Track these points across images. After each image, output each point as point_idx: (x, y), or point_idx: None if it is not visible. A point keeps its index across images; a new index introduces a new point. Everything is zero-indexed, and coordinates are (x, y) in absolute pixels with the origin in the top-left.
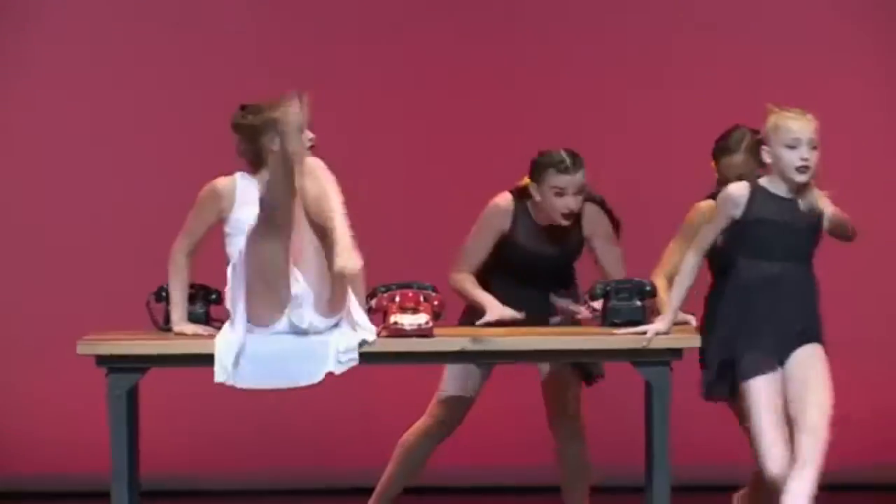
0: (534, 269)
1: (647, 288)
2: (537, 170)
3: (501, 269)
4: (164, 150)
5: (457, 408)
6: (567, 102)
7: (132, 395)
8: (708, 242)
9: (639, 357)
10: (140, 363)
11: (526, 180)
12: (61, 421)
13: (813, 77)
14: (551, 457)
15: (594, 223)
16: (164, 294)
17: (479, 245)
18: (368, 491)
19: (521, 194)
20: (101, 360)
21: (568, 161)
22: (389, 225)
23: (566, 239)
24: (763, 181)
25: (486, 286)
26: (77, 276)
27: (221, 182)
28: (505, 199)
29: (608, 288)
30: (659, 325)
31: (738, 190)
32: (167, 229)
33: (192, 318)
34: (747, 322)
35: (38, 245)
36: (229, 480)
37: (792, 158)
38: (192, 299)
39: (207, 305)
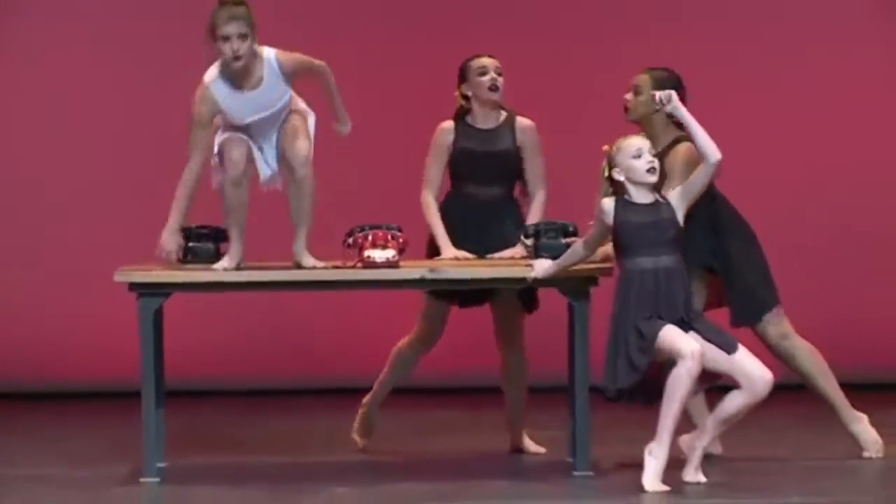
0: (484, 167)
1: (570, 228)
2: (462, 73)
3: (460, 179)
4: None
5: (436, 321)
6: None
7: (158, 314)
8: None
9: (564, 284)
10: (164, 289)
11: (457, 93)
12: (97, 333)
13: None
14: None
15: (524, 134)
16: (182, 234)
17: (435, 163)
18: (357, 391)
19: (458, 114)
20: (134, 286)
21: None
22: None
23: (503, 138)
24: (627, 195)
25: (450, 205)
26: (110, 213)
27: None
28: (446, 122)
29: (538, 228)
30: (541, 267)
31: (608, 204)
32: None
33: (203, 254)
34: (640, 309)
35: (75, 187)
36: (236, 383)
37: (641, 165)
38: (204, 238)
39: (217, 244)
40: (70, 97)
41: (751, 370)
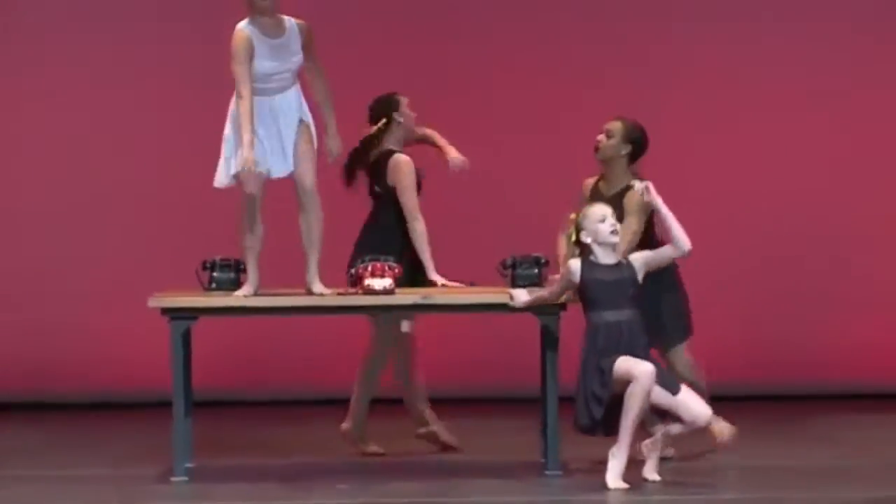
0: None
1: (543, 260)
2: (388, 105)
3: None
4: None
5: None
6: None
7: (187, 335)
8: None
9: (538, 309)
10: (193, 313)
11: (384, 126)
12: (133, 349)
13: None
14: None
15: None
16: (207, 265)
17: (414, 193)
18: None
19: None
20: (166, 310)
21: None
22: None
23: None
24: (592, 256)
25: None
26: (145, 243)
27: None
28: (406, 157)
29: (515, 260)
30: (519, 298)
31: (575, 265)
32: (211, 213)
33: (225, 282)
34: (603, 355)
35: (112, 219)
36: (250, 393)
37: (605, 228)
38: (226, 269)
39: (238, 273)
40: (118, 123)
41: (693, 408)
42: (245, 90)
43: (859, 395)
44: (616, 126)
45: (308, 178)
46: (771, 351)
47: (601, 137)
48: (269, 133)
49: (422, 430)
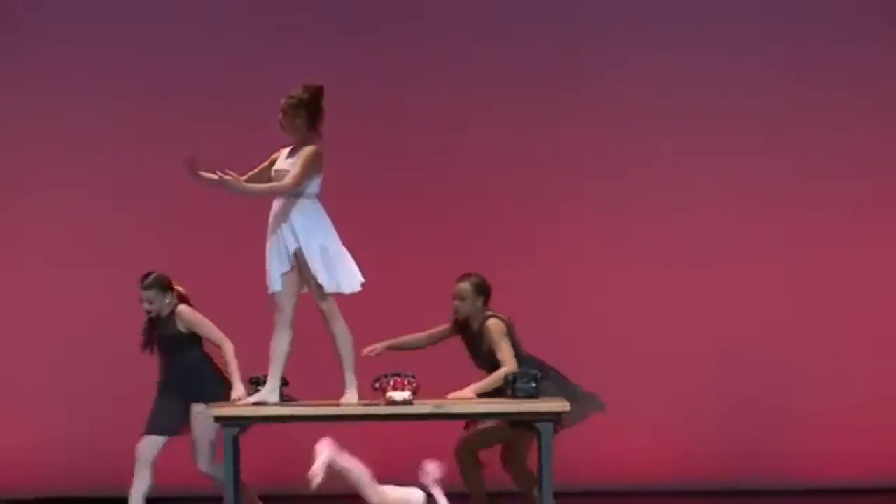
0: None
1: (538, 375)
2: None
3: None
4: None
5: None
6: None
7: (237, 440)
8: None
9: (536, 417)
10: (241, 421)
11: None
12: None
13: None
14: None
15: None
16: (252, 381)
17: None
18: None
19: None
20: (219, 418)
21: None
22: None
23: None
24: None
25: None
26: None
27: None
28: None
29: (515, 377)
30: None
31: None
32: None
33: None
34: None
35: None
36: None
37: None
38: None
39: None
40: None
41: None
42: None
43: (813, 490)
44: (464, 288)
45: (315, 284)
46: (733, 451)
47: (456, 304)
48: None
49: None
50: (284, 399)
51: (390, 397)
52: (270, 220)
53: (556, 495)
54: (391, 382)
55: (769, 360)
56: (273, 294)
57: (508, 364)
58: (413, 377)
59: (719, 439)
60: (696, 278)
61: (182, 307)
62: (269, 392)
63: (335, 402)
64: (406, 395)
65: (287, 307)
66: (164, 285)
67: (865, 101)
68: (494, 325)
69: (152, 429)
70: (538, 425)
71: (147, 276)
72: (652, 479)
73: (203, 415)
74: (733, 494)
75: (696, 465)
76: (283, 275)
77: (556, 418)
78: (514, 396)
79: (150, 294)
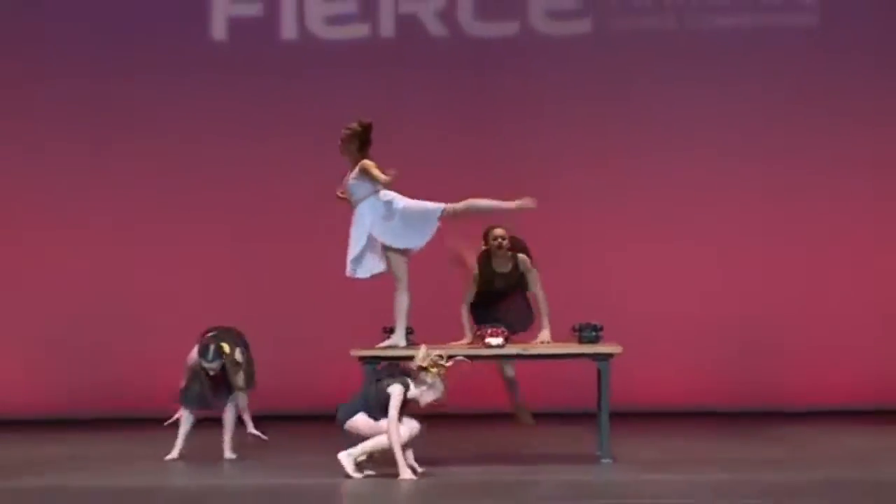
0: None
1: (600, 326)
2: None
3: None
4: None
5: None
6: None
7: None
8: None
9: (595, 357)
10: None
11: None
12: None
13: None
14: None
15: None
16: (385, 330)
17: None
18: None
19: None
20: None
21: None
22: None
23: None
24: None
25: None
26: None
27: None
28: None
29: (581, 327)
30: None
31: None
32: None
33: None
34: None
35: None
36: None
37: None
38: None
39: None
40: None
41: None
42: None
43: (809, 412)
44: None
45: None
46: (745, 379)
47: (505, 242)
48: None
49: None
50: (410, 343)
51: (488, 342)
52: (364, 215)
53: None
54: (489, 331)
55: (772, 305)
56: (389, 268)
57: (541, 293)
58: (504, 328)
59: (731, 371)
60: (715, 245)
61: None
62: (398, 338)
63: (445, 344)
64: (500, 340)
65: (399, 273)
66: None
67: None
68: (527, 260)
69: None
70: (599, 363)
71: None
72: (676, 403)
73: None
74: (740, 416)
75: (715, 393)
76: (389, 253)
77: (611, 357)
78: (580, 342)
79: (214, 365)
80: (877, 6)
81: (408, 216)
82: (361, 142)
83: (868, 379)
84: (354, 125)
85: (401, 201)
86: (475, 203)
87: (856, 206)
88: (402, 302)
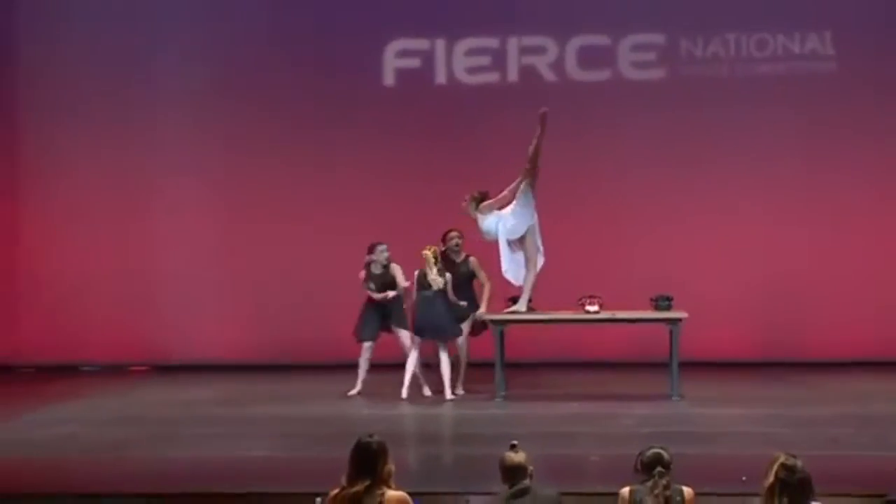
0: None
1: (670, 296)
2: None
3: None
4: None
5: None
6: None
7: (502, 335)
8: None
9: (668, 321)
10: (503, 324)
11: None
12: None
13: None
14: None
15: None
16: (509, 299)
17: None
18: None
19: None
20: (490, 321)
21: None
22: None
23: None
24: None
25: None
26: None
27: None
28: None
29: (657, 297)
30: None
31: None
32: None
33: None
34: None
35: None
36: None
37: None
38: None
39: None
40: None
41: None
42: None
43: (830, 363)
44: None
45: None
46: (777, 338)
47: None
48: None
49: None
50: (530, 309)
51: (586, 309)
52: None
53: (663, 365)
54: (587, 300)
55: (798, 283)
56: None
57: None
58: (600, 297)
59: (767, 331)
60: (757, 222)
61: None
62: (520, 304)
63: (551, 312)
64: (595, 308)
65: (529, 253)
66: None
67: None
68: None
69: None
70: (671, 326)
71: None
72: (726, 356)
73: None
74: (775, 365)
75: (756, 347)
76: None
77: (679, 321)
78: (656, 309)
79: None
80: (878, 57)
81: (514, 214)
82: (477, 202)
83: (871, 337)
84: (474, 193)
85: (505, 211)
86: (532, 150)
87: (866, 201)
88: (530, 276)
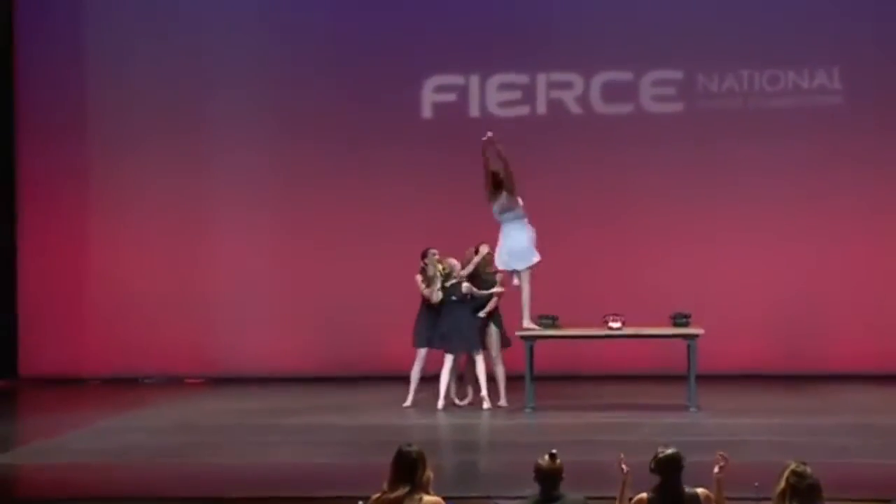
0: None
1: (688, 314)
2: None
3: None
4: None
5: None
6: None
7: (531, 349)
8: None
9: (686, 337)
10: (533, 339)
11: None
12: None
13: None
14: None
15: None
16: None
17: None
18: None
19: None
20: (522, 337)
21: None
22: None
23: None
24: None
25: None
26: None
27: None
28: None
29: (675, 315)
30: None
31: None
32: None
33: (546, 322)
34: None
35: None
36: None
37: None
38: (546, 318)
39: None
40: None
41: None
42: None
43: (839, 376)
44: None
45: None
46: (792, 352)
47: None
48: None
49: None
50: (556, 325)
51: (610, 326)
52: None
53: (681, 378)
54: (610, 318)
55: (813, 299)
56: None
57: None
58: (622, 315)
59: (783, 346)
60: (770, 243)
61: None
62: (526, 321)
63: (576, 327)
64: (618, 324)
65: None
66: None
67: None
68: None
69: None
70: (689, 342)
71: None
72: (743, 368)
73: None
74: (790, 378)
75: (772, 361)
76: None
77: (697, 337)
78: (674, 325)
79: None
80: (884, 91)
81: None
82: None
83: (885, 350)
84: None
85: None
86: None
87: (871, 222)
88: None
